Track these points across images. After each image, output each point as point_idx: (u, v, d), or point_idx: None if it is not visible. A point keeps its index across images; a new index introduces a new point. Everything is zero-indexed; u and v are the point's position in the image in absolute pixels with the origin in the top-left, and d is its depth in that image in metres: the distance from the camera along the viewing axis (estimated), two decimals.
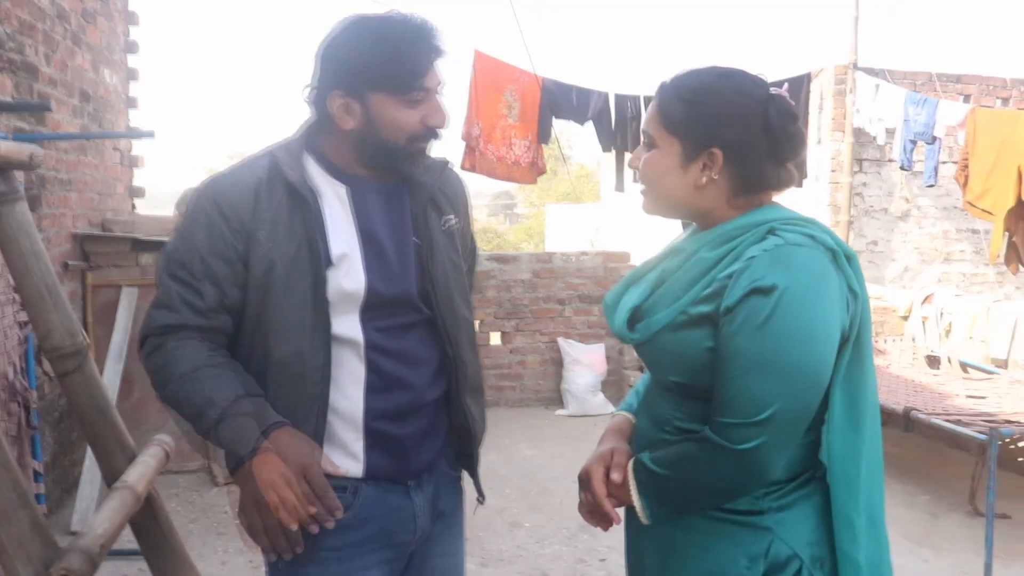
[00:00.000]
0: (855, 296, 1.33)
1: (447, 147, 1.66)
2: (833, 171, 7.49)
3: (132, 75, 5.56)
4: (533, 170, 6.77)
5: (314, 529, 1.39)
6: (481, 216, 22.64)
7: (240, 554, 3.54)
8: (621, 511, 1.43)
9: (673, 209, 1.43)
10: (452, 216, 1.65)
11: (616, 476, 1.41)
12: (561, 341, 6.44)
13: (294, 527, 1.37)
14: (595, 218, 15.21)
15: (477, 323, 6.15)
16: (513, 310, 6.37)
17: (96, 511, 1.59)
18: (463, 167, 6.20)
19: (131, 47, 5.52)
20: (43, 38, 3.88)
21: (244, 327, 1.51)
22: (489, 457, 4.64)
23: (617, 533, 1.50)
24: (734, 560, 1.33)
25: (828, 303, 1.27)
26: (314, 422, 1.49)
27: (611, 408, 6.31)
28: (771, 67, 7.24)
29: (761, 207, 1.38)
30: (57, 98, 4.07)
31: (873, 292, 5.98)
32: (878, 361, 5.29)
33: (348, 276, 1.49)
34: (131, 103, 5.56)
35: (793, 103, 1.42)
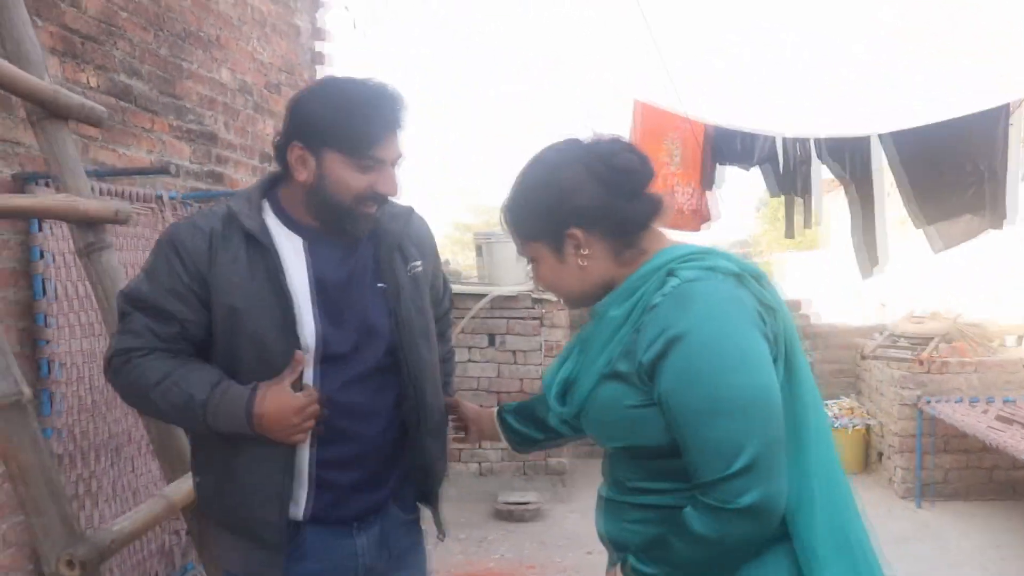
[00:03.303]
0: (772, 311, 1.28)
1: None
2: None
3: None
4: (697, 217, 6.69)
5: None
6: None
7: None
8: None
9: (584, 298, 1.42)
10: (418, 263, 1.68)
11: None
12: None
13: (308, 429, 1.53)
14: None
15: None
16: None
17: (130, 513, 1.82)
18: None
19: None
20: (223, 109, 4.47)
21: (217, 365, 1.56)
22: None
23: None
24: None
25: (745, 324, 1.23)
26: (280, 477, 1.54)
27: None
28: (963, 101, 6.66)
29: (657, 252, 1.34)
30: (235, 160, 4.65)
31: None
32: None
33: (301, 327, 1.53)
34: None
35: (607, 135, 1.39)
